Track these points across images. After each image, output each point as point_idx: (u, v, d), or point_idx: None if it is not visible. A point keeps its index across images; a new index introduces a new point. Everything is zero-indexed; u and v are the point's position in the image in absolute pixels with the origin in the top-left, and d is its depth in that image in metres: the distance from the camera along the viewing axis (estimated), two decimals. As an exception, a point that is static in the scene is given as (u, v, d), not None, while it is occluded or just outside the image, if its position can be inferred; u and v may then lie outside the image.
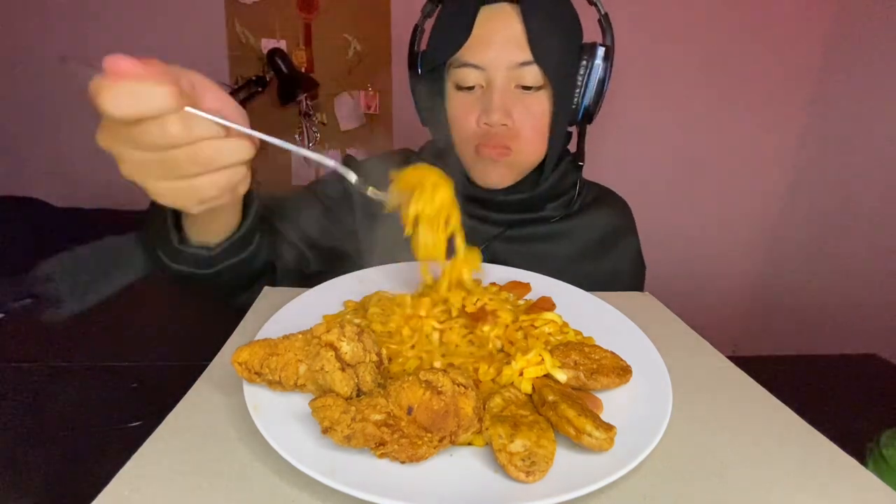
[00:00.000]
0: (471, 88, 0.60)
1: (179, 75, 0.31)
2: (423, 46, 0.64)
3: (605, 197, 0.75)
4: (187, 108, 0.29)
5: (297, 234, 0.62)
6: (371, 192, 0.42)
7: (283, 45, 1.61)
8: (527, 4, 0.57)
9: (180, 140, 0.30)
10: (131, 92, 0.27)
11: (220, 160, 0.32)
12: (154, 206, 0.46)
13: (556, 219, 0.68)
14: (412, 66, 0.66)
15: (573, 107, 0.63)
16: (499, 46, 0.57)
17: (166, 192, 0.32)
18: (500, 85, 0.59)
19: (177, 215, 0.46)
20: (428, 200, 0.41)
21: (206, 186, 0.32)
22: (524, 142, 0.61)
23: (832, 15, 1.69)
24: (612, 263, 0.70)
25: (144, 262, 0.50)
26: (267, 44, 1.60)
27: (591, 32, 0.64)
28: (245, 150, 0.33)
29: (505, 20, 0.57)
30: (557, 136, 0.63)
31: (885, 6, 1.53)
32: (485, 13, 0.58)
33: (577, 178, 0.70)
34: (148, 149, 0.30)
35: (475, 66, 0.59)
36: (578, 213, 0.70)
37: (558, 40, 0.58)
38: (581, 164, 0.69)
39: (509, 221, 0.68)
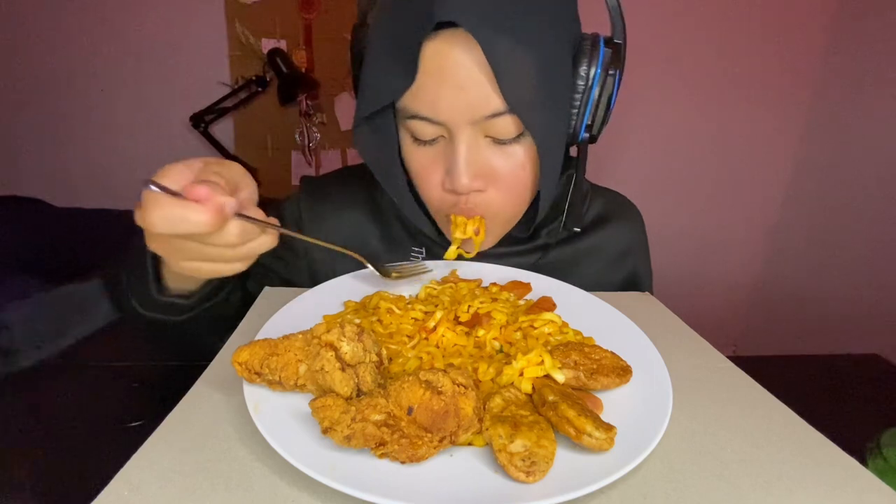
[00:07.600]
0: (432, 141, 0.47)
1: (222, 173, 0.33)
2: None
3: (613, 210, 0.64)
4: (238, 218, 0.33)
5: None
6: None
7: (283, 45, 1.61)
8: (485, 30, 0.39)
9: (235, 243, 0.34)
10: (179, 217, 0.30)
11: (253, 254, 0.36)
12: (125, 255, 0.46)
13: (554, 245, 0.59)
14: (357, 92, 0.48)
15: (570, 131, 0.49)
16: (454, 94, 0.42)
17: (189, 269, 0.36)
18: (465, 143, 0.44)
19: (155, 265, 0.44)
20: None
21: (226, 270, 0.37)
22: (504, 202, 0.50)
23: (833, 14, 1.69)
24: (620, 280, 0.64)
25: (109, 309, 0.50)
26: (267, 44, 1.60)
27: (595, 22, 0.52)
28: (272, 242, 0.37)
29: (458, 55, 0.41)
30: (548, 180, 0.49)
31: (887, 4, 1.53)
32: (432, 47, 0.41)
33: (574, 192, 0.54)
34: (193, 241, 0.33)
35: (429, 121, 0.44)
36: (582, 234, 0.61)
37: (537, 62, 0.42)
38: (574, 221, 0.52)
39: (499, 254, 0.57)
